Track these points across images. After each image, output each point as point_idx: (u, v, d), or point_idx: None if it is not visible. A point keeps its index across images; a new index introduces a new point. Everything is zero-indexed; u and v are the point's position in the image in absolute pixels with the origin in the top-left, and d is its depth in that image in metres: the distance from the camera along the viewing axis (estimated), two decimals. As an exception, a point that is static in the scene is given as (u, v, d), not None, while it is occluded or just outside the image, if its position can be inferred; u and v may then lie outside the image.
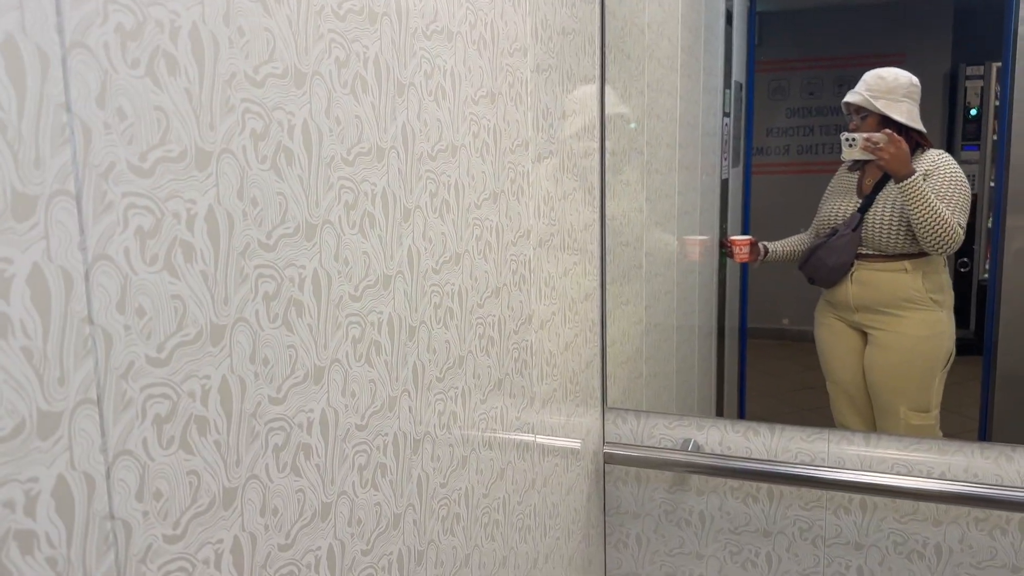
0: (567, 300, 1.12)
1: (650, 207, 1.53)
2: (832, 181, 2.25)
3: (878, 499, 1.20)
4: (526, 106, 0.94)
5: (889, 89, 2.08)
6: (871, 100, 2.06)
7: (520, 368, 0.96)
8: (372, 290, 0.65)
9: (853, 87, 2.28)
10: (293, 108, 0.55)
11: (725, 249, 2.07)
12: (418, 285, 0.71)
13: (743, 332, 3.16)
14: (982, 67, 2.48)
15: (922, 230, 2.06)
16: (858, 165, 2.10)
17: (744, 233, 2.99)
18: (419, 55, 0.70)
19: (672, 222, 1.73)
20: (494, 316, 0.88)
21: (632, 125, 1.68)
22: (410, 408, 0.71)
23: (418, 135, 0.71)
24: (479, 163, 0.83)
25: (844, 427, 2.24)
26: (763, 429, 1.28)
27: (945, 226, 2.07)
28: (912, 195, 2.03)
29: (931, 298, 2.11)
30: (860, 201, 2.09)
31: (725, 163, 2.54)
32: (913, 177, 2.01)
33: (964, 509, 1.15)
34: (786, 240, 2.28)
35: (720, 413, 2.60)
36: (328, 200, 0.59)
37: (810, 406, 2.77)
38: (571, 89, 1.10)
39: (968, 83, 2.66)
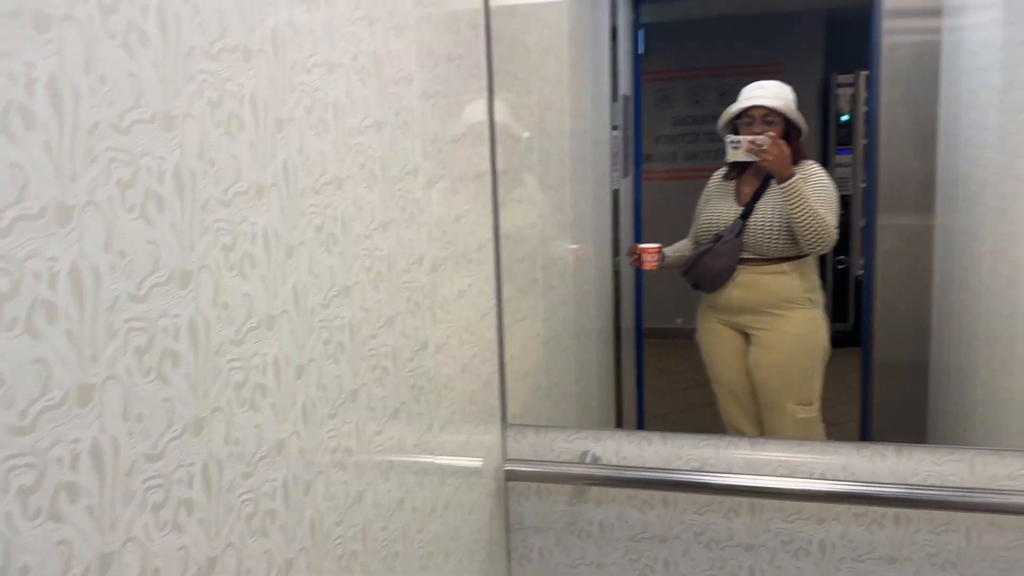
0: (463, 322, 1.13)
1: (544, 222, 1.56)
2: (707, 189, 2.29)
3: (765, 501, 1.26)
4: (414, 133, 0.94)
5: (790, 99, 2.21)
6: (787, 106, 2.19)
7: (417, 395, 0.96)
8: (255, 332, 0.63)
9: (733, 96, 2.35)
10: (163, 153, 0.53)
11: (633, 257, 2.12)
12: (305, 322, 0.70)
13: (639, 334, 3.25)
14: (852, 75, 2.64)
15: (802, 230, 2.13)
16: (733, 174, 2.15)
17: (638, 240, 3.06)
18: (299, 90, 0.69)
19: (566, 235, 1.77)
20: (388, 346, 0.87)
21: (526, 134, 1.70)
22: (300, 449, 0.70)
23: (300, 170, 0.70)
24: (367, 193, 0.82)
25: (732, 426, 2.31)
26: (656, 438, 1.32)
27: (824, 225, 2.13)
28: (794, 196, 2.11)
29: (808, 297, 2.19)
30: (741, 208, 2.16)
31: (615, 174, 2.61)
32: (795, 179, 2.06)
33: (844, 506, 1.22)
34: (673, 246, 2.37)
35: (619, 414, 2.66)
36: (204, 244, 0.57)
37: (705, 402, 2.87)
38: (460, 113, 1.10)
39: (839, 91, 2.83)
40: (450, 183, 1.07)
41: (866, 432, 2.84)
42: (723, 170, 2.33)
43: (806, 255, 2.22)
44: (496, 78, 1.27)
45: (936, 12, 2.64)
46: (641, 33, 4.96)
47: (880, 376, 2.84)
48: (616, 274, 2.66)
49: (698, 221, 2.23)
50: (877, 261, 2.74)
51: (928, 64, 2.65)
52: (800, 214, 2.14)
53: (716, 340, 2.28)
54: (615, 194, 2.61)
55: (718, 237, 2.18)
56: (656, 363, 4.89)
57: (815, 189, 2.15)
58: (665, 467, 1.29)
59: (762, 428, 2.36)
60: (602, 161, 2.36)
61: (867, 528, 1.21)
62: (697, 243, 2.24)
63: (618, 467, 1.30)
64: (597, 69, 2.24)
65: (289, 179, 0.68)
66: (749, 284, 2.17)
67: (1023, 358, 1.88)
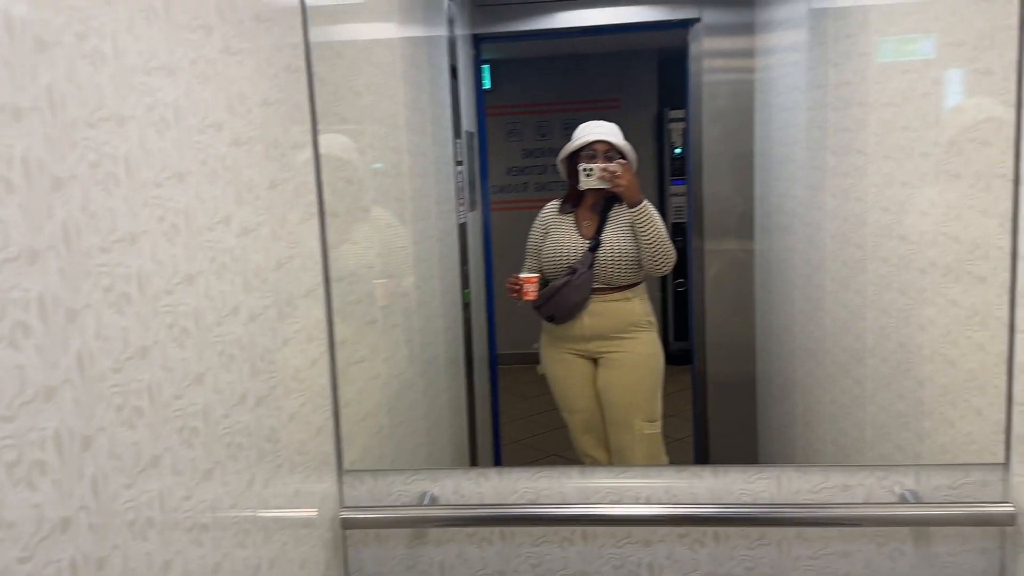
0: (290, 370, 1.10)
1: (383, 261, 1.55)
2: (542, 222, 2.39)
3: (597, 528, 1.30)
4: (225, 181, 0.92)
5: (622, 137, 2.34)
6: (625, 143, 2.31)
7: (234, 452, 0.92)
8: (30, 406, 0.59)
9: (573, 129, 2.45)
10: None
11: (514, 289, 2.19)
12: (92, 390, 0.66)
13: (493, 363, 3.28)
14: (683, 111, 2.83)
15: (651, 251, 2.25)
16: (569, 207, 2.30)
17: (489, 271, 3.09)
18: (82, 146, 0.66)
19: (409, 271, 1.77)
20: (197, 405, 0.84)
21: (377, 165, 1.70)
22: (90, 525, 0.66)
23: (85, 229, 0.66)
24: (168, 247, 0.79)
25: (584, 453, 2.38)
26: (492, 474, 1.34)
27: (669, 246, 2.29)
28: (645, 218, 2.23)
29: (648, 320, 2.33)
30: (588, 241, 2.29)
31: (462, 208, 2.64)
32: (645, 202, 2.21)
33: (668, 528, 1.28)
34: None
35: (473, 446, 2.68)
36: (-37, 317, 0.53)
37: (561, 424, 2.94)
38: (279, 158, 1.09)
39: (672, 125, 3.03)
40: (271, 229, 1.04)
41: (700, 446, 2.99)
42: (555, 203, 2.39)
43: (641, 282, 2.38)
44: (322, 121, 1.27)
45: (749, 54, 2.87)
46: (487, 69, 5.05)
47: (713, 392, 3.02)
48: (466, 306, 2.68)
49: (542, 255, 2.33)
50: (706, 284, 2.91)
51: (744, 103, 2.87)
52: (651, 236, 2.25)
53: (567, 370, 2.37)
54: (462, 227, 2.64)
55: (573, 271, 2.26)
56: (516, 388, 4.93)
57: (654, 215, 2.28)
58: (501, 502, 1.31)
59: (610, 451, 2.46)
60: (447, 196, 2.39)
61: (690, 547, 1.27)
62: (555, 276, 2.33)
63: (456, 506, 1.30)
64: (438, 107, 2.27)
65: (71, 240, 0.64)
66: (600, 312, 2.28)
67: (832, 374, 2.05)
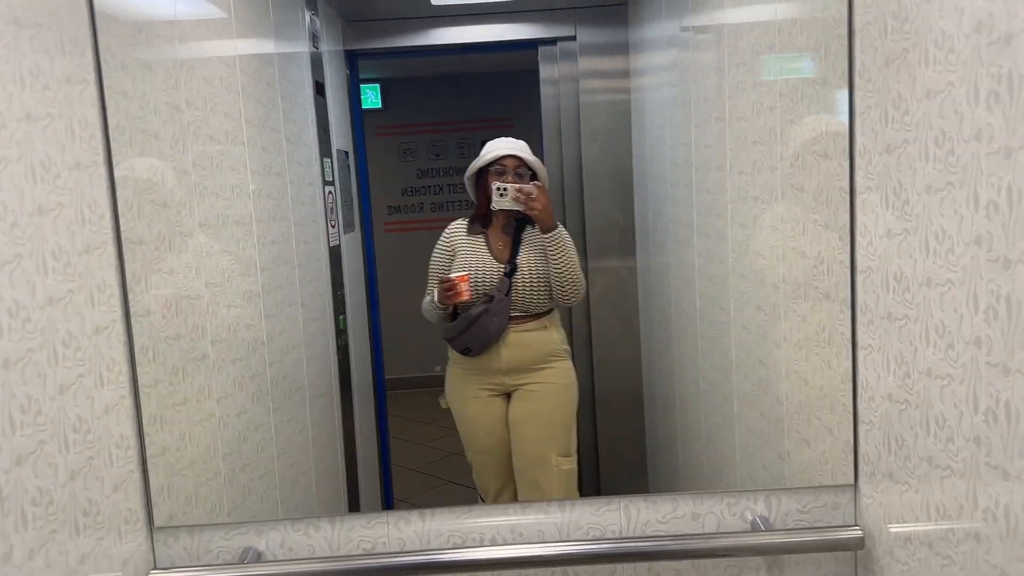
0: (68, 422, 0.96)
1: (214, 291, 1.42)
2: (449, 243, 2.24)
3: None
4: (-37, 206, 0.78)
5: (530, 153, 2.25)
6: (535, 160, 2.19)
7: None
8: None
9: (472, 148, 2.37)
10: None
11: (449, 292, 2.04)
12: None
13: (380, 391, 3.13)
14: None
15: (564, 279, 2.14)
16: (478, 227, 2.17)
17: (372, 294, 2.95)
18: None
19: (256, 300, 1.64)
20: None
21: (252, 188, 1.56)
22: None
23: None
24: None
25: (487, 490, 2.20)
26: (324, 524, 1.22)
27: (580, 275, 2.19)
28: (559, 246, 2.11)
29: (564, 348, 2.20)
30: (503, 265, 2.16)
31: (334, 231, 2.51)
32: (560, 228, 2.12)
33: (513, 572, 1.19)
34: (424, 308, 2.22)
35: (353, 484, 2.53)
36: None
37: (458, 449, 2.80)
38: (53, 179, 0.95)
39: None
40: (36, 263, 0.91)
41: (591, 472, 2.92)
42: (461, 223, 2.24)
43: (554, 308, 2.20)
44: (123, 138, 1.13)
45: (625, 74, 2.86)
46: (376, 88, 4.91)
47: (602, 414, 2.96)
48: (341, 332, 2.54)
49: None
50: (591, 304, 2.87)
51: (621, 122, 2.86)
52: (563, 265, 2.14)
53: (481, 407, 2.22)
54: (335, 251, 2.51)
55: (490, 298, 2.13)
56: (410, 414, 4.76)
57: (568, 242, 2.17)
58: (333, 555, 1.20)
59: (515, 492, 2.21)
60: (312, 218, 2.26)
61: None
62: (457, 305, 2.14)
63: (279, 561, 1.18)
64: (296, 126, 2.14)
65: None
66: (518, 343, 2.16)
67: (705, 391, 2.03)
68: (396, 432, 4.61)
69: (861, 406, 1.08)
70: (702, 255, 1.94)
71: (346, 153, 2.82)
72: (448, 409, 2.31)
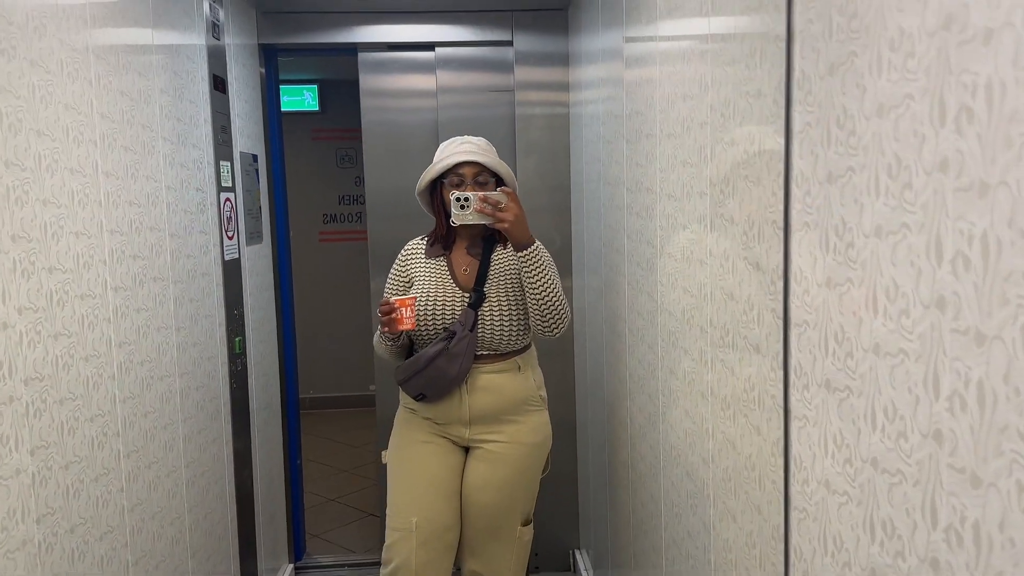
0: None
1: (32, 318, 1.17)
2: (407, 268, 1.89)
3: None
4: None
5: (495, 154, 1.88)
6: (499, 163, 1.85)
7: None
8: None
9: (418, 157, 2.02)
10: None
11: (388, 314, 1.68)
12: None
13: (292, 410, 2.87)
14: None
15: (544, 306, 1.74)
16: (439, 250, 1.84)
17: (287, 308, 2.67)
18: None
19: (102, 326, 1.39)
20: None
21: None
22: None
23: None
24: None
25: (418, 565, 1.77)
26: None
27: (564, 301, 1.79)
28: (537, 265, 1.71)
29: (540, 395, 1.87)
30: (468, 294, 1.78)
31: (231, 242, 2.26)
32: (537, 244, 1.73)
33: None
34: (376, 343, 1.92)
35: (247, 520, 2.27)
36: None
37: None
38: None
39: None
40: None
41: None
42: (420, 242, 1.92)
43: (531, 345, 1.89)
44: None
45: (564, 87, 2.67)
46: (314, 89, 4.61)
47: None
48: (238, 355, 2.28)
49: (417, 310, 1.75)
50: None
51: (560, 136, 2.66)
52: (543, 289, 1.73)
53: (430, 456, 1.78)
54: (231, 265, 2.25)
55: (451, 334, 1.73)
56: (339, 436, 4.44)
57: (547, 260, 1.77)
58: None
59: (462, 567, 1.88)
60: (200, 229, 2.00)
61: None
62: (424, 340, 1.79)
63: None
64: (181, 124, 1.89)
65: None
66: (485, 387, 1.77)
67: (632, 436, 1.83)
68: (317, 456, 4.32)
69: (794, 489, 0.89)
70: (632, 285, 1.75)
71: (254, 156, 2.56)
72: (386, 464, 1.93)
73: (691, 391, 1.29)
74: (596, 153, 2.18)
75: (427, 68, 2.78)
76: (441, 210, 1.82)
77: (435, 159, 1.85)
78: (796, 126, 0.84)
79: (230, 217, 2.23)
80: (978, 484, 0.55)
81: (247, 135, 2.45)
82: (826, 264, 0.78)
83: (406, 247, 1.92)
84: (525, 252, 1.72)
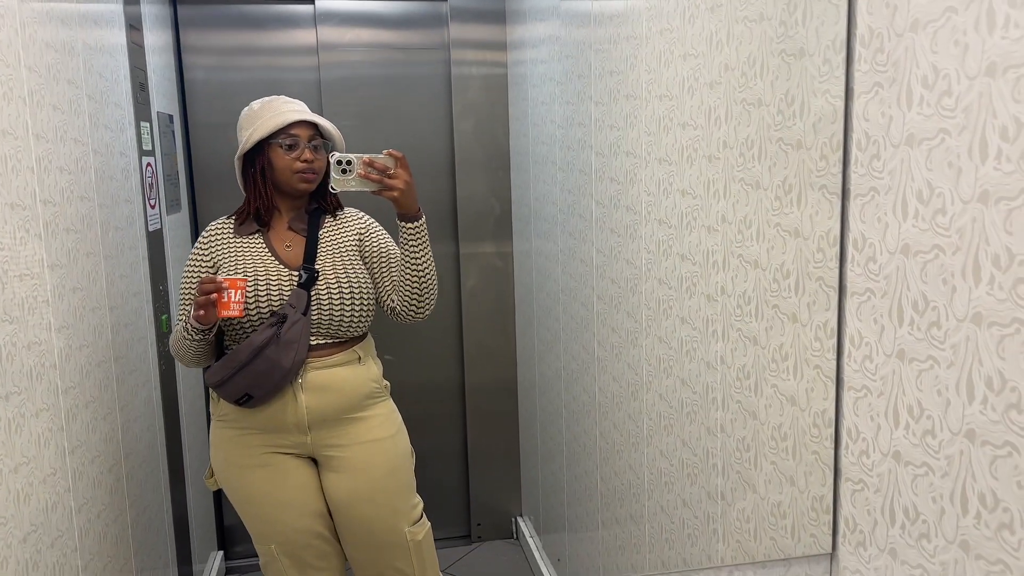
0: None
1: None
2: (218, 255, 1.60)
3: None
4: None
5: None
6: (334, 130, 1.62)
7: None
8: None
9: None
10: None
11: (209, 294, 1.43)
12: None
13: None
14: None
15: (424, 285, 1.59)
16: (253, 227, 1.60)
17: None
18: None
19: (42, 309, 1.22)
20: None
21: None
22: None
23: None
24: None
25: None
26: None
27: (435, 279, 1.64)
28: (422, 241, 1.56)
29: (384, 385, 1.69)
30: (299, 273, 1.55)
31: (153, 212, 2.07)
32: (423, 218, 1.56)
33: None
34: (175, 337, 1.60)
35: (183, 530, 2.12)
36: None
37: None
38: None
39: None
40: None
41: (465, 495, 2.64)
42: (225, 222, 1.64)
43: (367, 333, 1.68)
44: None
45: (502, 46, 2.57)
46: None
47: (475, 432, 2.68)
48: (167, 333, 2.10)
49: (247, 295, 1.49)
50: (463, 296, 2.58)
51: (497, 96, 2.57)
52: (428, 264, 1.58)
53: (272, 479, 1.57)
54: (155, 236, 2.06)
55: (281, 318, 1.50)
56: None
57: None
58: None
59: None
60: (126, 197, 1.81)
61: None
62: (224, 334, 1.56)
63: None
64: (105, 80, 1.70)
65: None
66: (322, 384, 1.55)
67: (602, 403, 1.81)
68: None
69: (846, 460, 0.87)
70: (602, 252, 1.71)
71: (170, 117, 2.35)
72: (220, 490, 1.69)
73: (691, 360, 1.26)
74: (548, 115, 2.11)
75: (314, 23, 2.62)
76: (262, 179, 1.57)
77: (247, 122, 1.56)
78: (860, 86, 0.80)
79: (151, 184, 2.04)
80: None
81: (162, 93, 2.24)
82: (903, 231, 0.75)
83: (208, 228, 1.64)
84: (413, 224, 1.55)
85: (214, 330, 1.52)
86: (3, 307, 1.08)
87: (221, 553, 2.70)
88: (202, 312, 1.43)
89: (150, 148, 2.03)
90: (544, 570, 2.47)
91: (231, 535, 2.78)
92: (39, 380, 1.19)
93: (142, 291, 1.88)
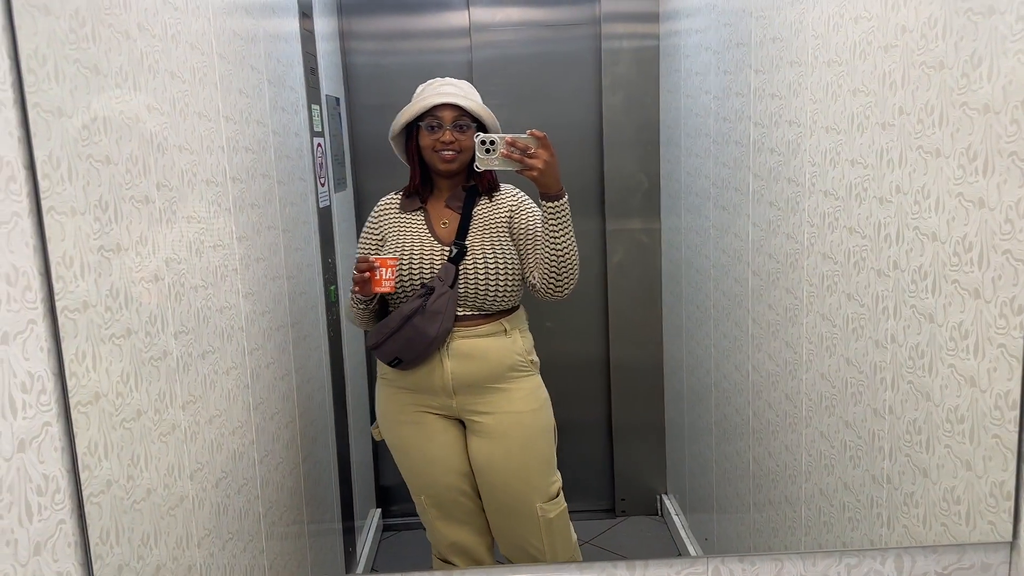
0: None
1: (177, 270, 1.13)
2: (385, 228, 1.75)
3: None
4: None
5: (480, 101, 1.74)
6: (483, 109, 1.70)
7: None
8: None
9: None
10: None
11: (363, 272, 1.58)
12: None
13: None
14: None
15: (564, 264, 1.65)
16: (415, 203, 1.71)
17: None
18: None
19: (231, 277, 1.35)
20: None
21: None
22: None
23: None
24: None
25: (444, 552, 1.76)
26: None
27: (578, 258, 1.69)
28: (564, 218, 1.61)
29: (531, 360, 1.76)
30: (448, 248, 1.66)
31: (323, 190, 2.20)
32: (566, 196, 1.60)
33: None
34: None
35: (347, 502, 2.26)
36: None
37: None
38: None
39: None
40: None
41: (609, 484, 2.65)
42: (393, 197, 1.77)
43: (519, 306, 1.75)
44: (41, 69, 0.83)
45: (654, 17, 2.53)
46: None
47: (619, 408, 2.69)
48: (333, 304, 2.25)
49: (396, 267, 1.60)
50: (609, 273, 2.59)
51: (648, 69, 2.54)
52: (567, 244, 1.63)
53: (422, 436, 1.70)
54: (325, 212, 2.20)
55: (429, 290, 1.62)
56: None
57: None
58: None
59: (490, 547, 1.77)
60: (298, 175, 1.95)
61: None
62: (400, 297, 1.66)
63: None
64: (279, 64, 1.82)
65: None
66: (467, 352, 1.65)
67: (756, 384, 1.77)
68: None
69: (1035, 445, 0.81)
70: (759, 226, 1.66)
71: (337, 100, 2.49)
72: (383, 441, 1.84)
73: (857, 339, 1.21)
74: (703, 86, 2.07)
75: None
76: (416, 157, 1.69)
77: (413, 99, 1.70)
78: (1063, 43, 0.74)
79: (321, 163, 2.17)
80: None
81: (330, 77, 2.37)
82: (1112, 199, 0.69)
83: (379, 202, 1.79)
84: (553, 204, 1.59)
85: (375, 300, 1.64)
86: (200, 274, 1.19)
87: (379, 511, 2.86)
88: (357, 288, 1.59)
89: (320, 129, 2.16)
90: (691, 548, 2.46)
91: (388, 495, 2.94)
92: (229, 341, 1.31)
93: (314, 263, 2.02)
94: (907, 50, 1.02)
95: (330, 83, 2.40)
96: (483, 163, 1.57)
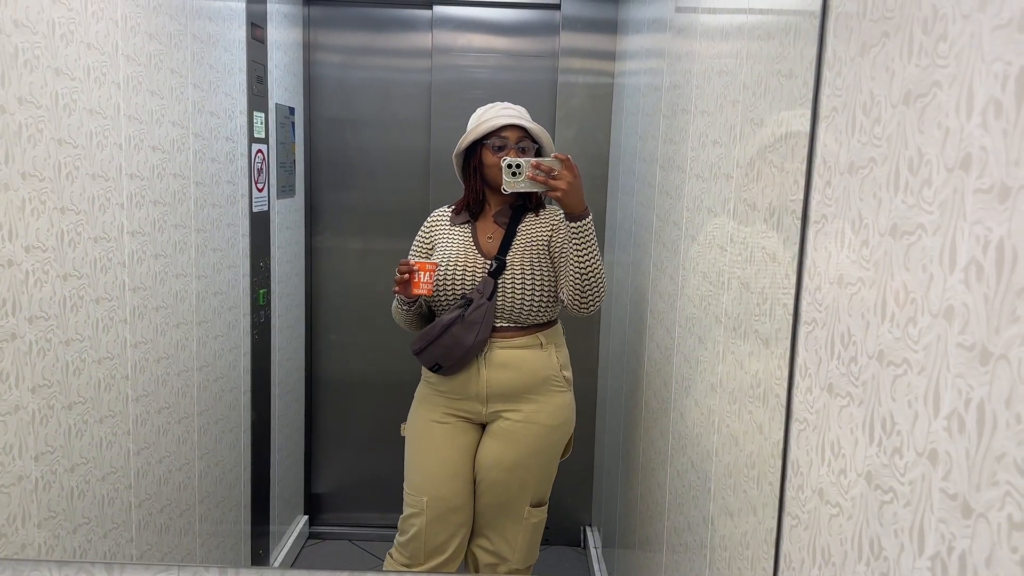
0: None
1: (39, 257, 1.18)
2: (435, 238, 1.83)
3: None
4: None
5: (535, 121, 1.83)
6: (542, 132, 1.80)
7: None
8: None
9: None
10: None
11: (404, 274, 1.65)
12: None
13: (308, 382, 2.86)
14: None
15: (590, 280, 1.69)
16: (464, 217, 1.80)
17: (308, 269, 2.66)
18: None
19: (116, 270, 1.39)
20: None
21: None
22: None
23: None
24: None
25: (434, 549, 1.79)
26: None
27: (604, 275, 1.74)
28: (587, 237, 1.67)
29: (565, 376, 1.83)
30: (491, 263, 1.74)
31: (260, 194, 2.25)
32: (590, 217, 1.68)
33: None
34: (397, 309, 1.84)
35: (263, 494, 2.29)
36: None
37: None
38: None
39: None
40: None
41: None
42: (445, 210, 1.86)
43: (557, 321, 1.83)
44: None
45: (610, 55, 2.59)
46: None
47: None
48: (261, 307, 2.29)
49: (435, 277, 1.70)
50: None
51: (601, 105, 2.59)
52: (592, 262, 1.69)
53: (443, 435, 1.77)
54: (259, 217, 2.25)
55: (468, 301, 1.71)
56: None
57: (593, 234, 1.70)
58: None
59: (469, 545, 1.84)
60: (228, 179, 2.00)
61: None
62: (443, 307, 1.75)
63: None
64: (217, 72, 1.88)
65: None
66: (504, 362, 1.73)
67: (646, 419, 1.79)
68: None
69: (789, 494, 0.84)
70: (657, 266, 1.70)
71: (291, 109, 2.55)
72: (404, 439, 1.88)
73: (703, 381, 1.24)
74: (634, 127, 2.12)
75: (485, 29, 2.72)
76: (474, 175, 1.76)
77: (473, 122, 1.81)
78: (823, 110, 0.78)
79: (260, 169, 2.22)
80: (969, 514, 0.50)
81: (284, 87, 2.43)
82: (839, 261, 0.72)
83: (432, 214, 1.88)
84: (578, 224, 1.67)
85: (418, 303, 1.76)
86: (72, 264, 1.24)
87: (306, 518, 2.88)
88: (398, 288, 1.69)
89: (262, 136, 2.22)
90: (597, 581, 2.46)
91: (319, 502, 2.96)
92: (106, 332, 1.35)
93: (238, 265, 2.06)
94: (745, 106, 1.06)
95: (287, 93, 2.46)
96: (510, 186, 1.62)
